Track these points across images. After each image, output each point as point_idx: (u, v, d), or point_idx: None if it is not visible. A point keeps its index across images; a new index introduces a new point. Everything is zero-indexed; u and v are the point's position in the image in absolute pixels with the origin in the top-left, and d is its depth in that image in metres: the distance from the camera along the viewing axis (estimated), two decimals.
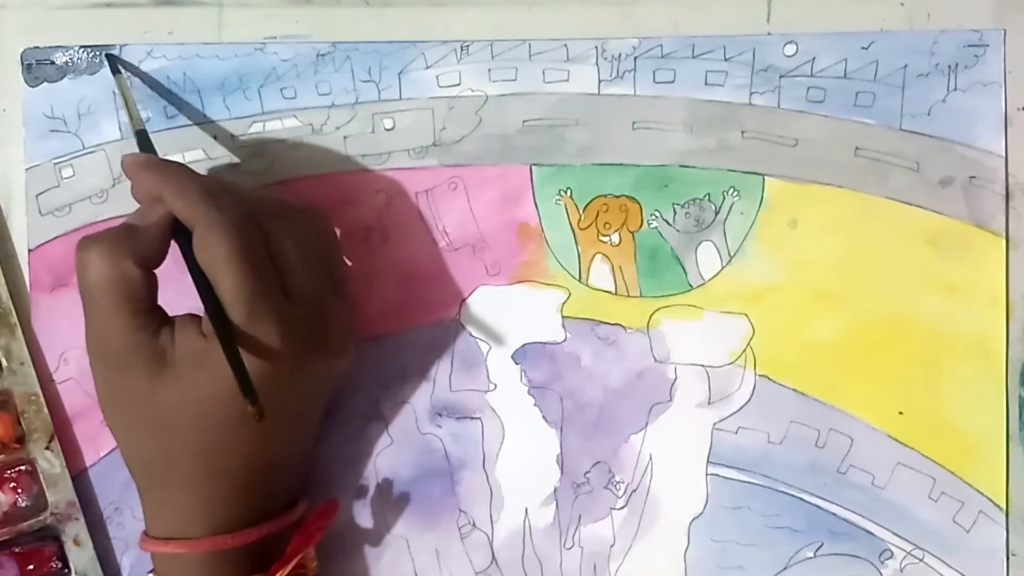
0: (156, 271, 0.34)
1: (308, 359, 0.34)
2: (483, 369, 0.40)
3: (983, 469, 0.39)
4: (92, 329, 0.34)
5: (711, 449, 0.40)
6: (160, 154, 0.40)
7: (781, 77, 0.39)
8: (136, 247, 0.33)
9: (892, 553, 0.39)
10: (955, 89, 0.39)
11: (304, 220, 0.36)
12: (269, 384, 0.33)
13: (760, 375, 0.40)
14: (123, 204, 0.41)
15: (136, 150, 0.38)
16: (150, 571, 0.36)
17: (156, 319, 0.34)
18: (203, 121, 0.41)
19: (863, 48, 0.39)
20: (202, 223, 0.33)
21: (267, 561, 0.35)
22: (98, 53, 0.40)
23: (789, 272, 0.40)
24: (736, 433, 0.40)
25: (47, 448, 0.40)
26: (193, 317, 0.34)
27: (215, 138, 0.41)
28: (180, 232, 0.34)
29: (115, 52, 0.40)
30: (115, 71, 0.40)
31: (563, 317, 0.40)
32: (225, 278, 0.32)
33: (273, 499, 0.37)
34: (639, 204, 0.40)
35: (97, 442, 0.41)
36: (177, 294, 0.35)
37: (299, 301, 0.34)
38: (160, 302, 0.34)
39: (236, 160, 0.41)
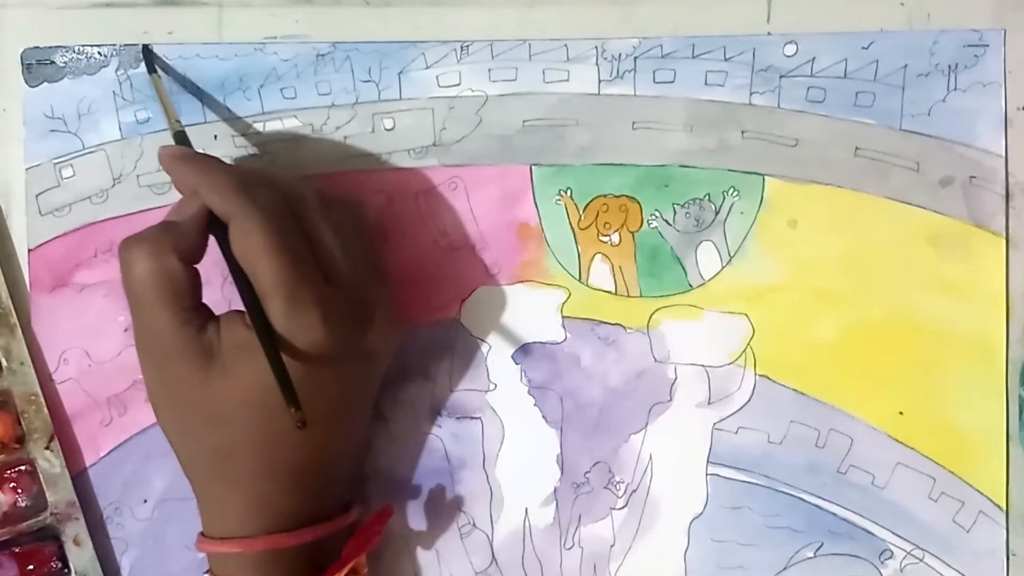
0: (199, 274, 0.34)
1: (353, 343, 0.34)
2: (483, 369, 0.40)
3: (983, 469, 0.39)
4: (140, 327, 0.34)
5: (711, 449, 0.40)
6: None
7: (781, 77, 0.39)
8: (177, 242, 0.33)
9: (892, 553, 0.39)
10: (955, 89, 0.39)
11: (340, 208, 0.36)
12: (316, 372, 0.33)
13: (760, 375, 0.40)
14: (123, 204, 0.41)
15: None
16: (206, 571, 0.36)
17: (201, 315, 0.34)
18: (203, 121, 0.41)
19: (863, 48, 0.39)
20: (237, 215, 0.33)
21: (321, 564, 0.35)
22: (98, 53, 0.41)
23: (789, 272, 0.40)
24: (736, 433, 0.40)
25: (47, 448, 0.40)
26: (237, 312, 0.34)
27: (215, 138, 0.41)
28: (216, 226, 0.34)
29: (113, 48, 0.40)
30: (151, 70, 0.39)
31: (563, 317, 0.40)
32: (263, 266, 0.32)
33: (327, 499, 0.37)
34: (639, 204, 0.40)
35: (97, 442, 0.41)
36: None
37: (340, 285, 0.34)
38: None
39: (236, 160, 0.41)
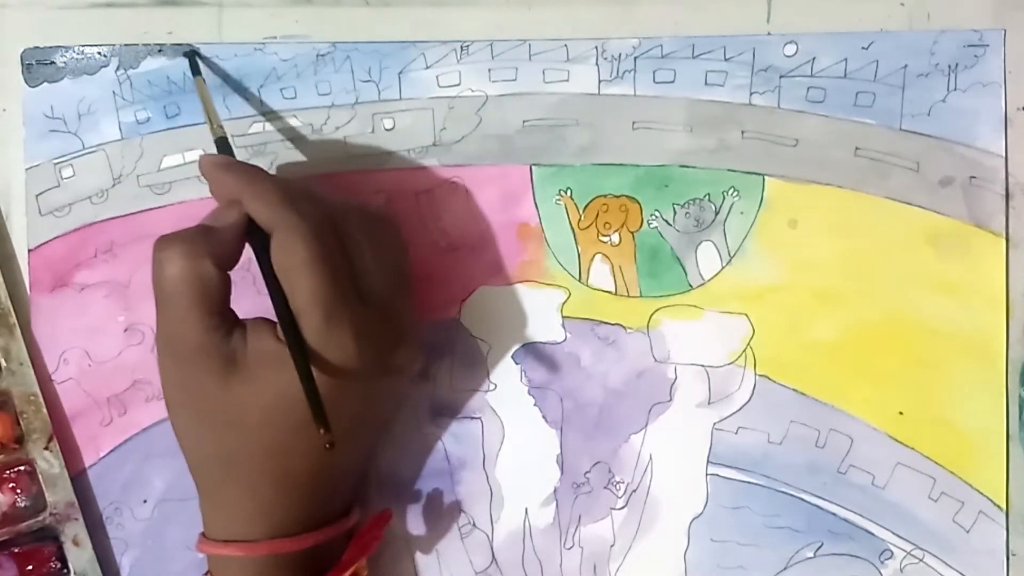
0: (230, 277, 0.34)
1: (381, 363, 0.34)
2: (483, 369, 0.40)
3: (983, 469, 0.39)
4: (165, 327, 0.34)
5: (711, 449, 0.40)
6: (160, 154, 0.41)
7: (781, 77, 0.39)
8: (214, 247, 0.33)
9: (892, 553, 0.39)
10: (955, 89, 0.39)
11: (379, 226, 0.36)
12: (341, 390, 0.33)
13: (760, 375, 0.40)
14: (123, 204, 0.41)
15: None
16: (206, 572, 0.36)
17: (228, 321, 0.34)
18: (203, 121, 0.40)
19: (863, 48, 0.39)
20: (282, 226, 0.32)
21: (321, 568, 0.35)
22: (98, 53, 0.41)
23: (789, 272, 0.40)
24: (736, 433, 0.40)
25: (46, 448, 0.40)
26: (266, 320, 0.34)
27: None
28: (255, 235, 0.33)
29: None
30: (195, 72, 0.39)
31: (563, 317, 0.40)
32: (303, 282, 0.32)
33: (331, 505, 0.37)
34: (639, 204, 0.40)
35: (97, 442, 0.41)
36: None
37: (374, 306, 0.34)
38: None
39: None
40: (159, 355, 0.35)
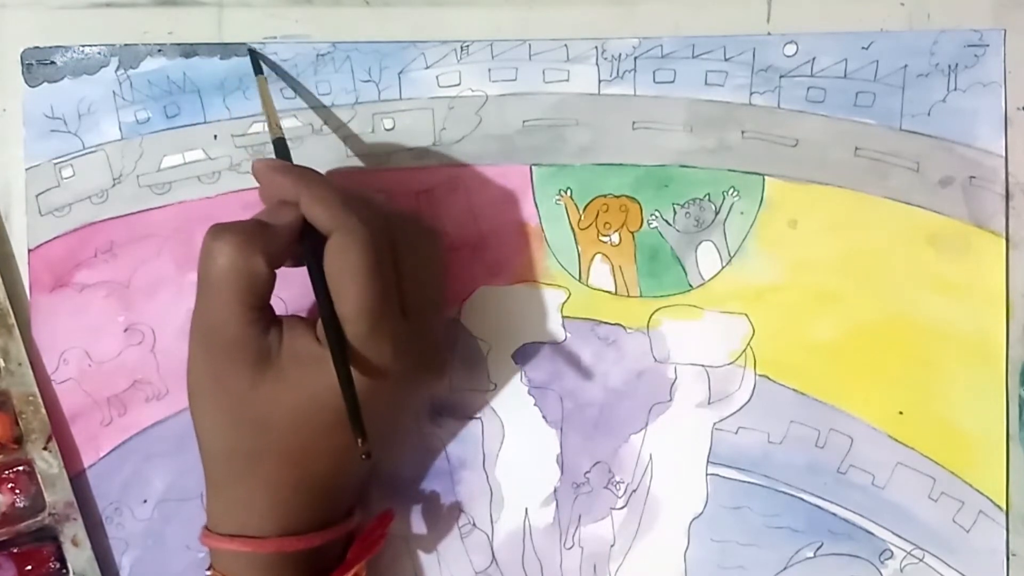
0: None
1: (412, 377, 0.35)
2: (483, 369, 0.40)
3: (983, 469, 0.39)
4: (205, 315, 0.34)
5: (711, 449, 0.40)
6: (160, 154, 0.41)
7: (781, 77, 0.39)
8: (267, 244, 0.32)
9: (892, 553, 0.39)
10: (955, 89, 0.39)
11: (425, 238, 0.36)
12: (371, 399, 0.33)
13: (760, 375, 0.40)
14: (123, 204, 0.41)
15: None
16: (208, 568, 0.36)
17: (266, 317, 0.34)
18: (203, 121, 0.41)
19: (863, 48, 0.39)
20: (341, 229, 0.32)
21: (321, 567, 0.36)
22: (98, 53, 0.40)
23: (789, 272, 0.40)
24: (736, 433, 0.40)
25: (45, 448, 0.40)
26: (302, 320, 0.34)
27: (215, 138, 0.41)
28: (309, 237, 0.33)
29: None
30: (258, 71, 0.39)
31: (563, 317, 0.40)
32: (354, 288, 0.32)
33: (339, 506, 0.37)
34: (639, 204, 0.40)
35: (97, 442, 0.40)
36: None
37: (414, 320, 0.34)
38: None
39: (237, 160, 0.41)
40: (191, 341, 0.34)
